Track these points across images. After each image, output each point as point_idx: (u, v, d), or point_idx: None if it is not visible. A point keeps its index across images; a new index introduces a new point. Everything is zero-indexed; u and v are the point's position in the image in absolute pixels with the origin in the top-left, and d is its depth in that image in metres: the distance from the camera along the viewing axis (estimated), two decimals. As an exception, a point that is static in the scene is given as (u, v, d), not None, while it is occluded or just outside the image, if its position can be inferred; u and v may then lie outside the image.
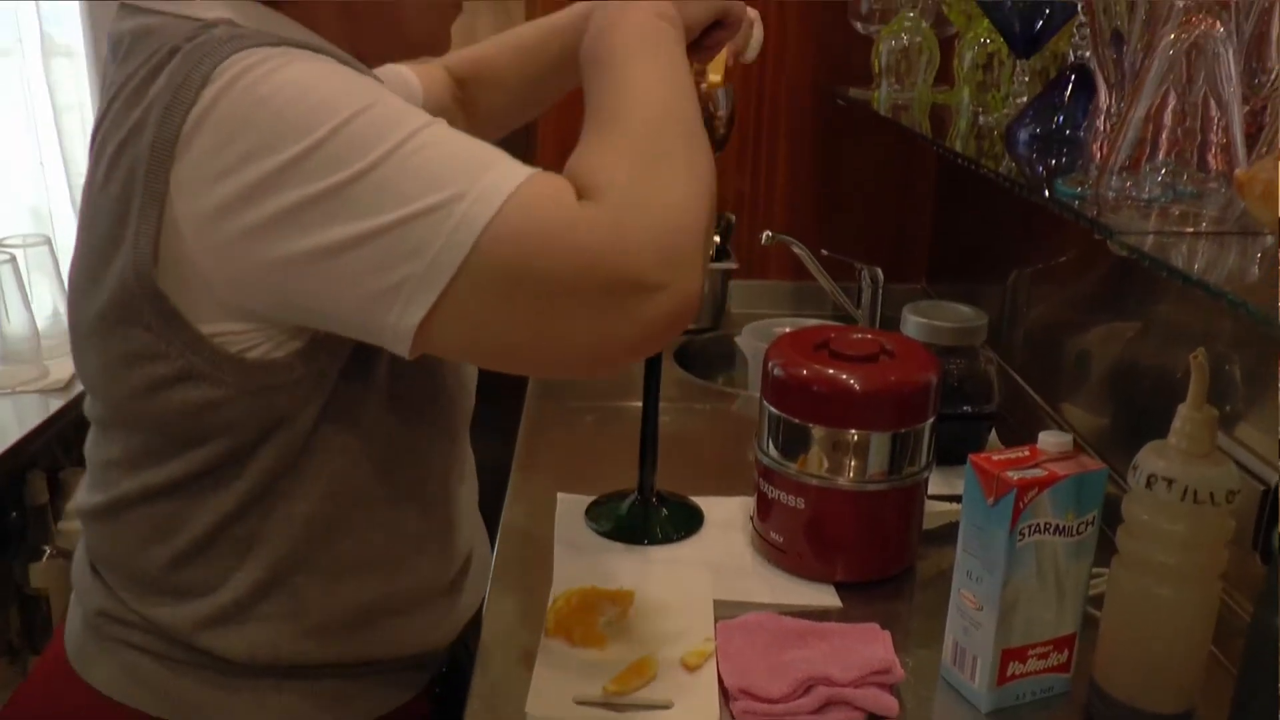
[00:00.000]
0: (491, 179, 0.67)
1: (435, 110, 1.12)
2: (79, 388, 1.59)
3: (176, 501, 0.81)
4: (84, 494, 0.88)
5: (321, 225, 0.67)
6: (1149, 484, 0.86)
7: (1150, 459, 0.87)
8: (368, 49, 0.85)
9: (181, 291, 0.73)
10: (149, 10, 0.78)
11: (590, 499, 1.26)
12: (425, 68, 1.17)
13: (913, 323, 1.34)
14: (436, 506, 0.92)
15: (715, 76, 1.00)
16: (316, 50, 0.75)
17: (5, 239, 1.65)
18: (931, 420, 1.08)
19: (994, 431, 1.42)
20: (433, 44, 0.89)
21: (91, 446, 0.87)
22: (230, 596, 0.83)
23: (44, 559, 1.57)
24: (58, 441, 1.63)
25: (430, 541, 0.92)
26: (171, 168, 0.70)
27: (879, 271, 1.75)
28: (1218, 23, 0.79)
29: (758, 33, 1.01)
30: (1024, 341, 1.63)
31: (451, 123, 1.04)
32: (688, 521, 1.22)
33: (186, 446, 0.79)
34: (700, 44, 0.94)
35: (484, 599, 1.05)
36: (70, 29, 1.85)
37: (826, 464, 1.07)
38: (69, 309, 0.81)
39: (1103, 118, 0.97)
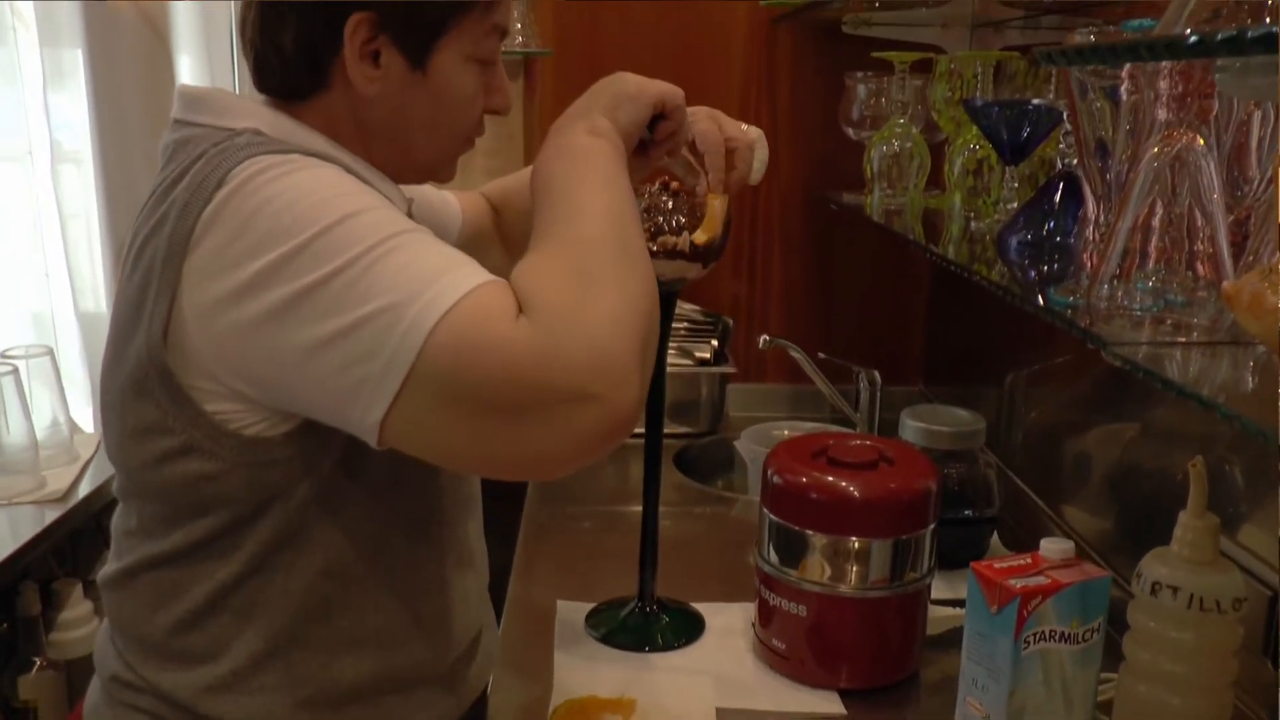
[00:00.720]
0: (442, 286, 0.72)
1: (472, 234, 1.18)
2: (75, 499, 1.59)
3: (180, 569, 0.86)
4: (107, 564, 0.93)
5: (296, 324, 0.73)
6: (1154, 591, 0.86)
7: (1154, 566, 0.87)
8: (380, 166, 0.92)
9: (186, 372, 0.79)
10: (191, 123, 0.87)
11: (590, 606, 1.25)
12: (468, 194, 1.22)
13: (911, 427, 1.35)
14: (433, 592, 0.94)
15: (702, 236, 1.03)
16: (327, 159, 0.82)
17: (8, 350, 1.66)
18: (932, 526, 1.09)
19: (996, 534, 1.42)
20: (437, 171, 0.96)
21: (115, 518, 0.93)
22: (229, 666, 0.86)
23: (34, 670, 1.54)
24: (52, 553, 1.62)
25: (427, 625, 0.93)
26: (185, 260, 0.77)
27: (876, 374, 1.77)
28: (1198, 136, 0.81)
29: (761, 153, 1.04)
30: (1023, 444, 1.63)
31: (487, 247, 1.08)
32: (689, 628, 1.21)
33: (190, 517, 0.84)
34: (650, 141, 0.97)
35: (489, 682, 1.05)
36: (79, 135, 1.89)
37: (828, 571, 1.07)
38: (100, 383, 0.87)
39: (1091, 228, 0.99)
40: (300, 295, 0.72)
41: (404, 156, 0.92)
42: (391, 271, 0.72)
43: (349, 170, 0.83)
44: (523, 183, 1.24)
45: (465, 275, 0.73)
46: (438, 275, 0.72)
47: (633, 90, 0.92)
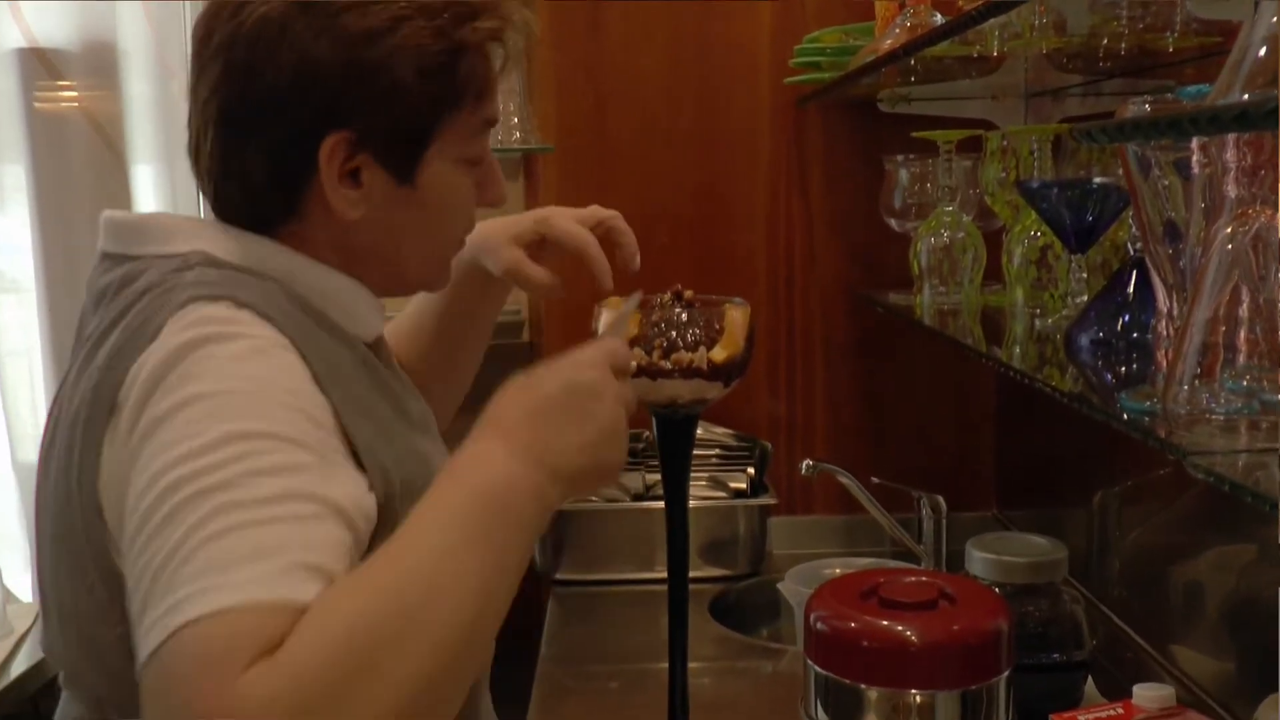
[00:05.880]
0: (222, 581, 0.69)
1: None
2: (8, 679, 1.59)
3: None
4: None
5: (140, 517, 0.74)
6: (1270, 744, 0.85)
7: (1274, 717, 0.86)
8: (364, 280, 0.97)
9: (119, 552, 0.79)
10: (129, 256, 0.90)
11: (614, 787, 1.24)
12: None
13: (979, 559, 1.35)
14: None
15: (721, 353, 1.06)
16: (290, 290, 0.87)
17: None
18: (1007, 674, 1.08)
19: (1090, 681, 1.41)
20: (430, 282, 1.04)
21: (60, 710, 0.93)
22: None
23: None
24: None
25: None
26: (110, 419, 0.80)
27: (940, 500, 1.77)
28: (1276, 213, 0.83)
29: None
30: (1119, 574, 1.62)
31: None
32: (730, 810, 1.19)
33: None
34: None
35: None
36: (21, 261, 1.94)
37: (888, 732, 1.06)
38: (37, 560, 0.91)
39: (1164, 322, 1.00)
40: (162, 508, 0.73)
41: (394, 275, 0.97)
42: (209, 549, 0.70)
43: (309, 307, 0.89)
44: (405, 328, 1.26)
45: (255, 577, 0.70)
46: (239, 563, 0.70)
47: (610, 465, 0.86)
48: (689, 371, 1.06)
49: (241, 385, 0.78)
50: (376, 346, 1.01)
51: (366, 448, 0.85)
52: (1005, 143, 1.61)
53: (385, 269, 0.96)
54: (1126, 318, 1.20)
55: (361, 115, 0.90)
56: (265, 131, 0.90)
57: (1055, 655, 1.35)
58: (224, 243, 0.90)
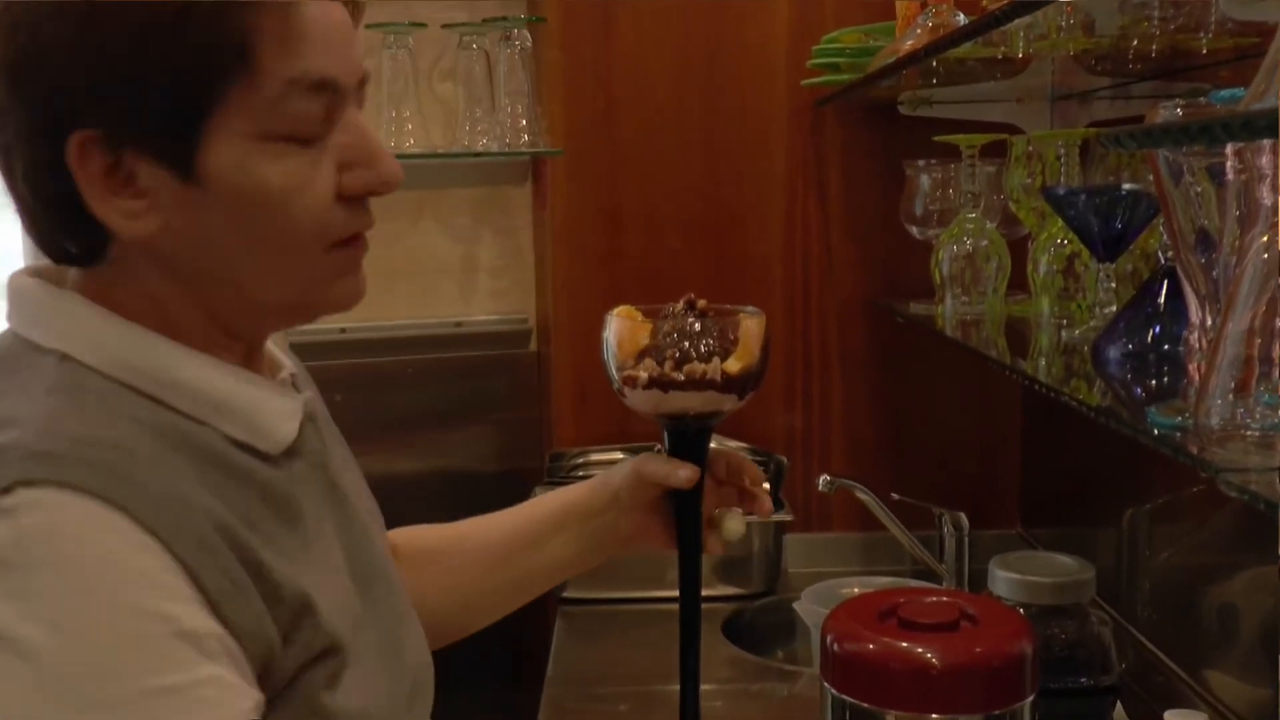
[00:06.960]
0: None
1: None
2: None
3: None
4: None
5: None
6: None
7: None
8: (227, 317, 0.83)
9: None
10: (10, 329, 0.82)
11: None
12: None
13: (1003, 579, 1.35)
14: None
15: (735, 364, 1.05)
16: (146, 445, 0.75)
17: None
18: (1031, 699, 1.07)
19: (1119, 707, 1.40)
20: (311, 302, 0.85)
21: None
22: None
23: None
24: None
25: None
26: None
27: (962, 517, 1.76)
28: (1315, 223, 0.82)
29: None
30: (1149, 596, 1.61)
31: None
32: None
33: None
34: None
35: None
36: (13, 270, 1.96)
37: (907, 759, 1.05)
38: None
39: (1197, 334, 1.00)
40: None
41: (252, 302, 0.82)
42: None
43: (191, 434, 0.77)
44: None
45: None
46: None
47: None
48: (702, 383, 1.05)
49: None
50: (293, 450, 0.86)
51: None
52: (1031, 147, 1.60)
53: (236, 293, 0.81)
54: (1157, 329, 1.20)
55: (99, 100, 0.73)
56: (13, 142, 0.76)
57: (1082, 679, 1.34)
58: (95, 333, 0.78)
